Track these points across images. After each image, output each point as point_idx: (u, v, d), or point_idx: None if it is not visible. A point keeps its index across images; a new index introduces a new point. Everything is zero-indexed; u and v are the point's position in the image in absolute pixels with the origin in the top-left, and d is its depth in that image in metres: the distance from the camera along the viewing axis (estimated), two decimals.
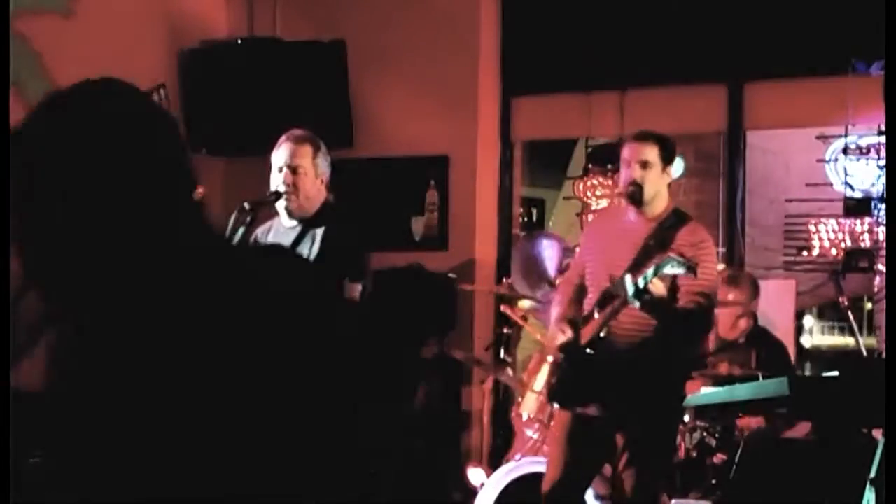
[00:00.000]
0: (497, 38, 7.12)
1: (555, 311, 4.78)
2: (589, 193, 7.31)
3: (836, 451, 4.81)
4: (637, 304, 4.29)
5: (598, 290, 4.56)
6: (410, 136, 7.01)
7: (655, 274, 4.21)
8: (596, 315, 4.49)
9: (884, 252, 6.33)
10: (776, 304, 6.80)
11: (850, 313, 5.60)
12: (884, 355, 5.36)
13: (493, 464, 6.00)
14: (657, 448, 4.56)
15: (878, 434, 3.74)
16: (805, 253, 7.29)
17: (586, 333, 4.51)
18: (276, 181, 4.26)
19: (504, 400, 6.76)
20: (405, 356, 5.60)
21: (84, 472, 1.74)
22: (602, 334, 4.46)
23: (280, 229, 4.35)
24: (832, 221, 7.14)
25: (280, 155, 4.28)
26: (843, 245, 6.89)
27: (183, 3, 7.25)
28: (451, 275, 6.70)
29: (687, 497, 5.24)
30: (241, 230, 4.22)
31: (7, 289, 5.54)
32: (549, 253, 6.21)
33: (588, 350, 4.48)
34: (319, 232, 4.21)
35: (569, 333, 4.54)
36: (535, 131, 7.27)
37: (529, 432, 5.61)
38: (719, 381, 5.45)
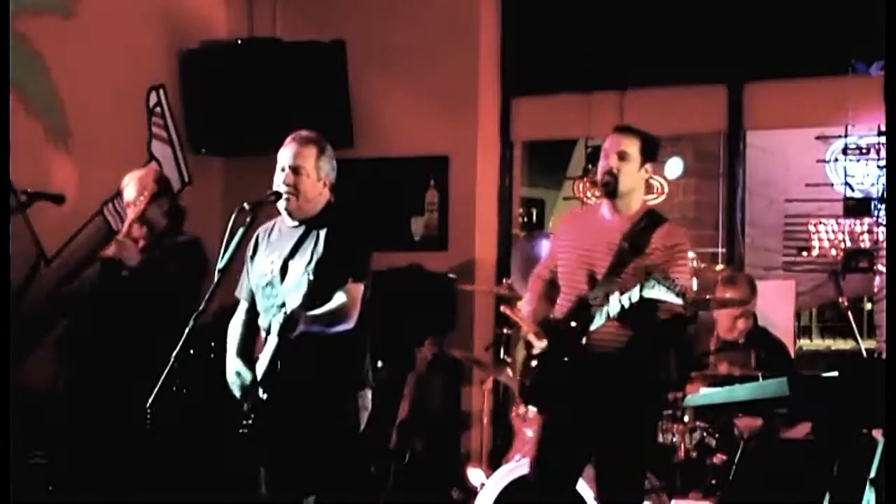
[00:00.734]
0: (497, 38, 7.12)
1: (526, 309, 4.72)
2: (589, 193, 7.31)
3: (835, 451, 4.81)
4: (620, 320, 4.28)
5: (573, 290, 4.48)
6: (410, 137, 7.01)
7: (641, 294, 4.15)
8: (573, 323, 4.41)
9: (884, 252, 6.33)
10: (776, 304, 6.80)
11: (849, 313, 5.59)
12: (884, 355, 5.36)
13: (493, 464, 6.00)
14: (633, 451, 4.48)
15: (878, 434, 3.74)
16: (805, 253, 7.30)
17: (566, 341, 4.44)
18: (278, 181, 4.26)
19: (504, 400, 6.76)
20: None
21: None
22: (583, 341, 4.39)
23: (283, 229, 4.35)
24: (832, 222, 7.15)
25: (284, 155, 4.27)
26: (842, 245, 6.90)
27: (183, 3, 7.24)
28: (451, 275, 6.70)
29: (687, 497, 5.24)
30: (241, 230, 4.22)
31: (7, 289, 5.51)
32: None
33: (566, 359, 4.41)
34: (322, 233, 4.21)
35: (544, 342, 4.47)
36: (535, 131, 7.27)
37: (529, 432, 5.61)
38: (719, 381, 5.45)
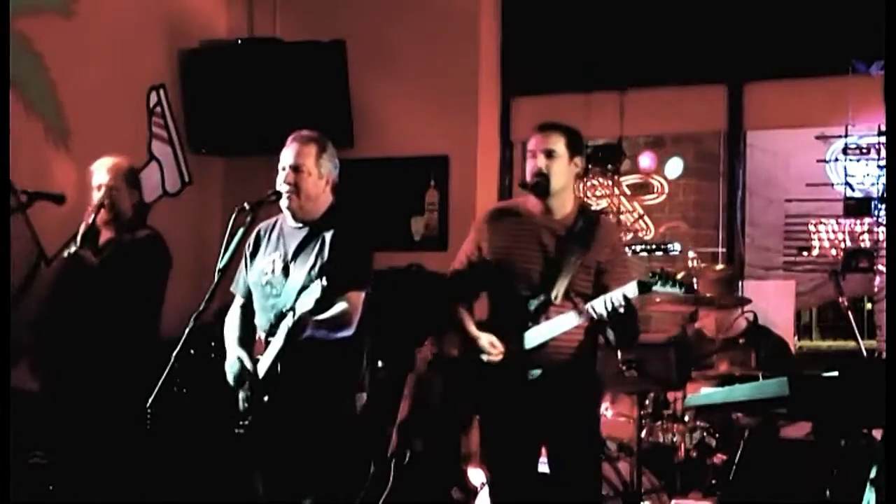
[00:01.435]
0: (497, 38, 7.12)
1: (462, 314, 4.59)
2: (589, 193, 7.31)
3: (836, 451, 4.81)
4: (593, 327, 4.29)
5: (508, 294, 4.39)
6: (410, 136, 7.01)
7: (625, 295, 4.12)
8: (537, 327, 4.33)
9: (884, 252, 6.33)
10: (776, 304, 6.80)
11: (849, 313, 5.60)
12: (884, 355, 5.36)
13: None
14: (583, 452, 4.45)
15: (878, 434, 3.74)
16: (805, 253, 7.30)
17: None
18: (280, 180, 4.26)
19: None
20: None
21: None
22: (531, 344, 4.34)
23: (286, 230, 4.34)
24: (832, 221, 7.15)
25: (285, 154, 4.28)
26: (843, 245, 6.90)
27: (183, 3, 7.24)
28: None
29: (687, 497, 5.24)
30: (241, 230, 4.22)
31: (7, 289, 5.53)
32: None
33: (532, 371, 4.34)
34: (328, 235, 4.20)
35: (500, 349, 4.38)
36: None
37: None
38: (719, 380, 5.46)
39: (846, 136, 6.38)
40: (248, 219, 4.23)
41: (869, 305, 8.51)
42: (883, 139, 6.21)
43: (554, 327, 4.31)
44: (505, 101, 7.15)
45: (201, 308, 4.01)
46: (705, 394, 4.77)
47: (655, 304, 6.60)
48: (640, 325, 4.42)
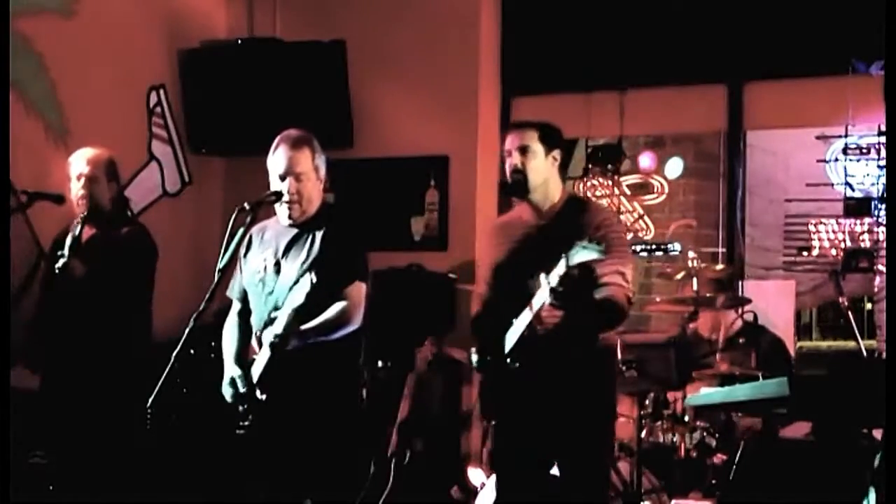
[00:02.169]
0: (497, 38, 7.11)
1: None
2: (589, 193, 7.31)
3: (836, 451, 4.81)
4: (554, 302, 4.02)
5: (510, 299, 4.27)
6: (410, 136, 7.01)
7: (567, 265, 3.91)
8: (515, 321, 4.21)
9: (884, 252, 6.33)
10: (776, 304, 6.81)
11: (849, 313, 5.60)
12: (884, 355, 5.36)
13: (493, 464, 6.00)
14: (590, 453, 4.34)
15: (878, 434, 3.74)
16: (805, 253, 7.29)
17: (509, 342, 4.26)
18: (277, 188, 4.25)
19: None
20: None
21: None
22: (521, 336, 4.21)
23: (278, 229, 4.35)
24: (832, 221, 7.14)
25: (279, 161, 4.24)
26: (843, 245, 6.89)
27: (183, 3, 7.24)
28: (451, 275, 6.70)
29: (687, 497, 5.24)
30: (241, 230, 4.23)
31: (7, 289, 5.52)
32: None
33: (511, 361, 4.23)
34: (319, 233, 4.21)
35: (475, 355, 4.36)
36: None
37: None
38: (719, 380, 5.46)
39: (846, 136, 6.38)
40: (248, 219, 4.23)
41: (869, 305, 8.52)
42: (883, 139, 6.21)
43: (525, 315, 4.16)
44: (505, 101, 7.15)
45: (201, 308, 4.01)
46: (705, 394, 4.77)
47: (655, 304, 6.62)
48: (592, 295, 4.18)
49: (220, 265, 4.10)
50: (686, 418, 5.43)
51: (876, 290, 8.11)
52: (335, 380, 4.22)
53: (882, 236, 6.55)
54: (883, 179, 6.25)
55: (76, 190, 5.27)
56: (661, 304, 6.41)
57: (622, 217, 7.57)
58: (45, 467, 5.42)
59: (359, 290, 4.19)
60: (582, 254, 3.88)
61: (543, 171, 4.36)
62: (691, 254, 6.20)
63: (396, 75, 7.07)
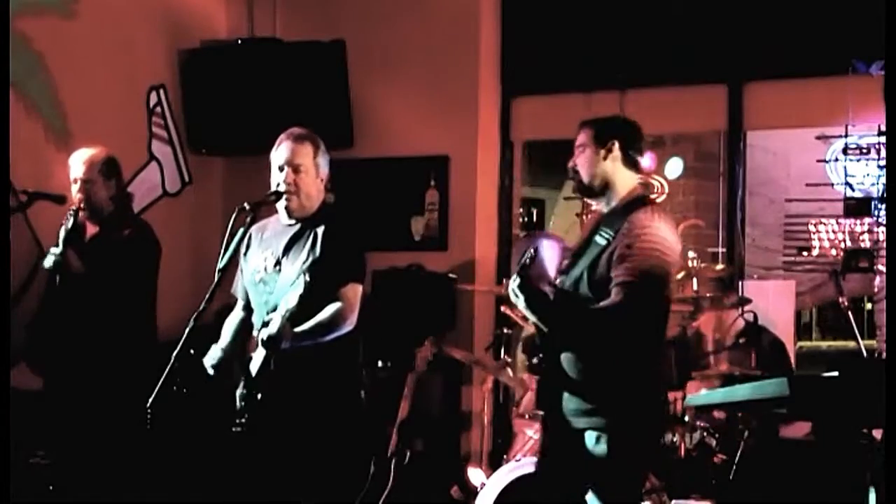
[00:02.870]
0: (497, 38, 7.11)
1: None
2: None
3: (836, 451, 4.81)
4: (521, 307, 3.86)
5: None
6: (410, 136, 7.01)
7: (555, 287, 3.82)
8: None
9: (884, 252, 6.33)
10: (776, 304, 6.81)
11: (849, 313, 5.60)
12: (884, 355, 5.36)
13: (493, 464, 6.00)
14: (631, 451, 4.26)
15: (878, 434, 3.74)
16: (805, 253, 7.30)
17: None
18: (277, 180, 4.26)
19: (504, 400, 6.76)
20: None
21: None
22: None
23: (278, 228, 4.35)
24: (832, 221, 7.15)
25: (280, 154, 4.27)
26: (843, 245, 6.90)
27: (183, 3, 7.24)
28: (451, 275, 6.70)
29: (687, 497, 5.24)
30: (241, 230, 4.23)
31: (7, 289, 5.52)
32: (549, 253, 6.19)
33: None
34: (320, 231, 4.21)
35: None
36: (535, 131, 7.26)
37: (529, 432, 5.61)
38: (719, 380, 5.46)
39: (846, 136, 6.38)
40: (248, 219, 4.23)
41: (869, 305, 8.51)
42: (883, 139, 6.21)
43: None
44: (505, 101, 7.15)
45: (201, 308, 4.01)
46: (705, 394, 4.77)
47: None
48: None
49: (220, 265, 4.10)
50: (686, 418, 5.43)
51: (876, 290, 8.11)
52: (335, 379, 4.22)
53: (882, 236, 6.55)
54: (883, 179, 6.24)
55: (74, 192, 5.28)
56: None
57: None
58: (46, 467, 5.42)
59: (354, 291, 4.19)
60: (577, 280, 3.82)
61: (596, 168, 4.09)
62: (691, 254, 6.19)
63: (396, 75, 7.07)
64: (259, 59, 7.03)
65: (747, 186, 6.90)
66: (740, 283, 6.51)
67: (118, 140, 6.26)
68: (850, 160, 6.46)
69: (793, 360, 6.42)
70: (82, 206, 5.23)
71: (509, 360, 6.23)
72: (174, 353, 3.91)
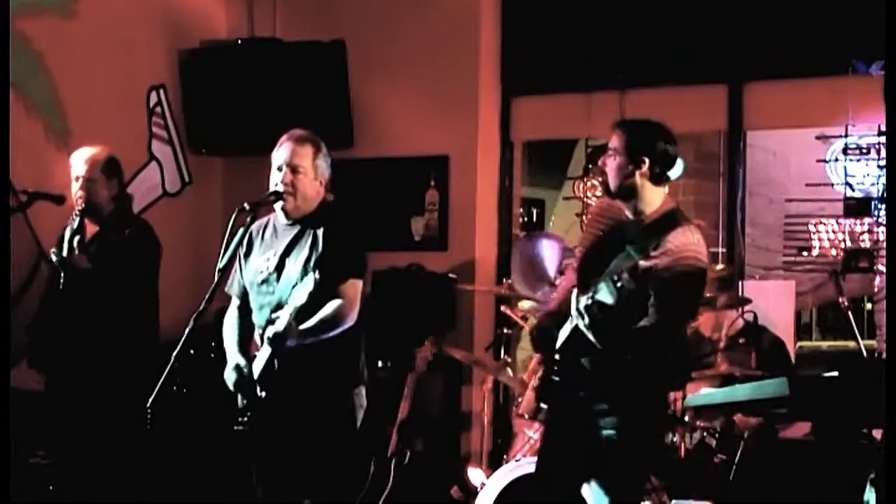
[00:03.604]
0: (497, 38, 7.11)
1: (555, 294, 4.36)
2: (589, 193, 7.31)
3: (836, 451, 4.81)
4: (582, 323, 3.85)
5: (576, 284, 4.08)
6: (410, 136, 7.01)
7: (593, 297, 3.73)
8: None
9: (884, 252, 6.33)
10: (776, 304, 6.81)
11: (849, 313, 5.60)
12: (884, 355, 5.36)
13: (493, 464, 6.00)
14: (639, 447, 4.27)
15: (878, 434, 3.74)
16: (805, 253, 7.30)
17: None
18: (276, 180, 4.26)
19: (504, 400, 6.76)
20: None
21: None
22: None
23: (278, 227, 4.35)
24: (832, 222, 7.15)
25: (280, 154, 4.27)
26: (843, 245, 6.90)
27: (183, 3, 7.24)
28: (451, 275, 6.70)
29: (687, 497, 5.24)
30: (241, 230, 4.23)
31: (7, 289, 5.53)
32: (549, 253, 6.20)
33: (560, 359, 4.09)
34: (320, 232, 4.21)
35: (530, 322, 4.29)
36: (535, 131, 7.27)
37: (529, 432, 5.61)
38: (719, 380, 5.46)
39: (846, 136, 6.39)
40: (248, 219, 4.24)
41: (869, 305, 8.51)
42: (883, 139, 6.21)
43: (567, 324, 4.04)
44: (505, 101, 7.14)
45: (201, 308, 4.01)
46: (705, 394, 4.77)
47: None
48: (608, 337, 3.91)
49: (220, 265, 4.11)
50: (686, 418, 5.43)
51: (876, 290, 8.11)
52: (335, 379, 4.22)
53: (882, 236, 6.55)
54: (883, 179, 6.25)
55: (75, 191, 5.28)
56: None
57: None
58: (46, 467, 5.42)
59: (354, 287, 4.19)
60: (602, 293, 3.74)
61: (625, 178, 4.03)
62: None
63: (396, 75, 7.07)
64: (259, 59, 7.03)
65: (747, 186, 6.90)
66: (740, 283, 6.51)
67: (118, 140, 6.26)
68: (850, 160, 6.47)
69: (792, 358, 6.42)
70: (84, 203, 5.24)
71: (509, 360, 6.24)
72: (174, 353, 3.91)
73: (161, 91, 7.12)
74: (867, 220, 6.59)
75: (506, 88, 7.14)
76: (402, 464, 5.79)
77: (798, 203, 7.33)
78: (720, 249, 7.09)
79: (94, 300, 5.12)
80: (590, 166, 7.25)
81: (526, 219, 8.53)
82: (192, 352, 4.02)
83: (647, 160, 4.03)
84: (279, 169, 4.25)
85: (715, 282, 5.92)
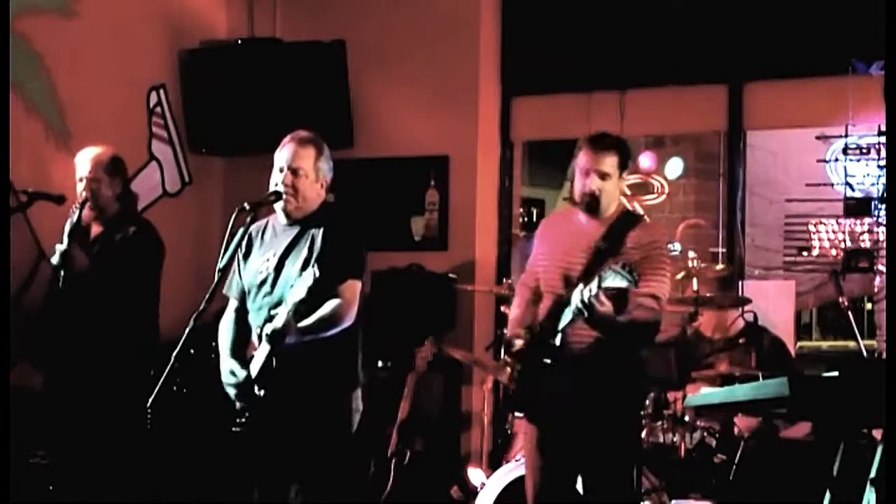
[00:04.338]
0: (497, 38, 7.12)
1: (513, 314, 4.69)
2: None
3: (836, 451, 4.80)
4: (583, 317, 4.21)
5: (552, 294, 4.46)
6: (410, 136, 7.01)
7: (599, 286, 4.08)
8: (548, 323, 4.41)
9: (884, 252, 6.33)
10: (776, 304, 6.80)
11: (849, 313, 5.60)
12: (884, 355, 5.36)
13: (493, 464, 6.01)
14: (619, 452, 4.47)
15: (878, 434, 3.73)
16: (805, 253, 7.30)
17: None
18: (276, 181, 4.26)
19: (504, 400, 6.76)
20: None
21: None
22: (557, 342, 4.35)
23: (277, 228, 4.35)
24: (832, 222, 7.15)
25: (282, 155, 4.27)
26: (843, 245, 6.90)
27: (183, 3, 7.24)
28: (451, 275, 6.70)
29: (687, 497, 5.24)
30: (241, 230, 4.23)
31: (7, 288, 5.53)
32: None
33: (545, 360, 4.37)
34: (319, 233, 4.21)
35: (520, 343, 4.46)
36: (535, 131, 7.27)
37: None
38: (719, 380, 5.46)
39: (846, 136, 6.38)
40: (248, 219, 4.23)
41: (869, 305, 8.51)
42: (883, 139, 6.21)
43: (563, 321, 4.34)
44: (505, 101, 7.15)
45: (201, 308, 4.01)
46: (705, 394, 4.76)
47: None
48: (615, 321, 4.27)
49: (220, 265, 4.11)
50: (686, 418, 5.43)
51: (876, 290, 8.11)
52: (332, 382, 4.22)
53: (882, 236, 6.55)
54: (883, 179, 6.24)
55: (79, 191, 5.28)
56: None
57: None
58: (45, 467, 5.42)
59: (353, 287, 4.19)
60: (614, 279, 4.02)
61: (614, 194, 4.51)
62: (691, 254, 6.20)
63: (396, 75, 7.08)
64: (259, 59, 7.03)
65: (747, 186, 6.90)
66: (740, 283, 6.51)
67: (118, 140, 6.25)
68: (850, 160, 6.46)
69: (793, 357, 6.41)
70: (88, 203, 5.24)
71: (509, 360, 6.24)
72: (174, 353, 3.91)
73: (161, 91, 7.12)
74: (867, 220, 6.59)
75: (506, 88, 7.14)
76: (402, 464, 5.80)
77: (798, 203, 7.33)
78: (720, 249, 7.10)
79: (97, 299, 5.12)
80: None
81: (526, 219, 8.54)
82: (192, 352, 4.02)
83: (626, 173, 4.62)
84: (280, 170, 4.25)
85: (715, 281, 5.93)
